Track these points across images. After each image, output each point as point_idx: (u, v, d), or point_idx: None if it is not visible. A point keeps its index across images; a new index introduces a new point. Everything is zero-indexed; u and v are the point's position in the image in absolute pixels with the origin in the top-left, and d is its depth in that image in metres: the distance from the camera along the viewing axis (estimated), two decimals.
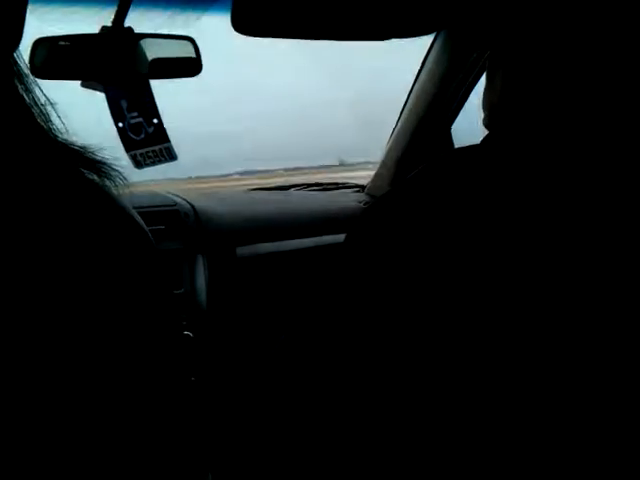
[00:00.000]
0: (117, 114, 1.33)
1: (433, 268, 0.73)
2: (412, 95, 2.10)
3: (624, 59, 0.74)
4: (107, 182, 0.61)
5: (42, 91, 0.59)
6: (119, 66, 1.30)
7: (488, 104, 0.88)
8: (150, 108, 1.36)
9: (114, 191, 0.60)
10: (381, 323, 0.77)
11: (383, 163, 2.28)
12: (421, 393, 0.76)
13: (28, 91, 0.57)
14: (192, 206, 1.96)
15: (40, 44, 1.20)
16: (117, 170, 0.62)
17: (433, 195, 0.76)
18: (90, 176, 0.60)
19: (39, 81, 0.59)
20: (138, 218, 0.59)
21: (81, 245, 0.51)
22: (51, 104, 0.59)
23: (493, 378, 0.72)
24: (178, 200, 1.97)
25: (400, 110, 2.18)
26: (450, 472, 0.76)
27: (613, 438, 0.71)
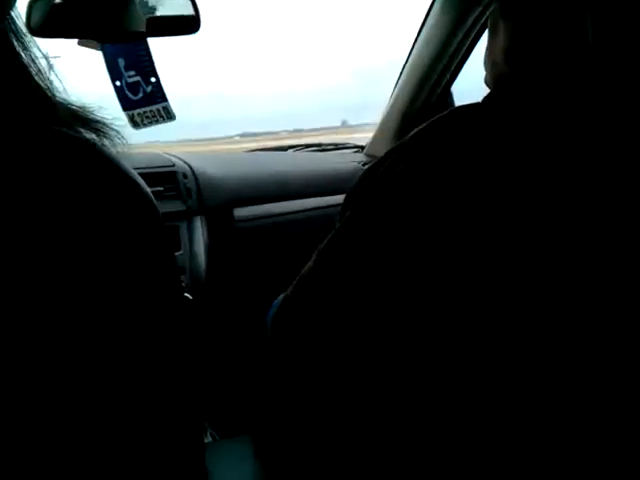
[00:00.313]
0: (114, 73, 1.31)
1: (431, 230, 0.72)
2: (412, 54, 2.07)
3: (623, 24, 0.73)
4: (105, 141, 0.60)
5: (40, 50, 0.58)
6: (116, 24, 1.28)
7: (490, 61, 0.87)
8: (148, 67, 1.33)
9: (113, 151, 0.59)
10: (378, 283, 0.76)
11: (383, 123, 2.26)
12: (417, 381, 0.76)
13: (26, 49, 0.56)
14: (190, 167, 1.95)
15: (36, 2, 1.17)
16: (115, 130, 0.61)
17: (433, 156, 0.75)
18: (88, 135, 0.59)
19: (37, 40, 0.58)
20: (139, 179, 0.58)
21: (82, 207, 0.50)
22: (49, 63, 0.58)
23: (481, 354, 0.72)
24: (176, 161, 1.96)
25: (400, 69, 2.16)
26: (448, 462, 0.76)
27: (609, 430, 0.71)
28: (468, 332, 0.71)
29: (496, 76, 0.85)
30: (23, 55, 0.56)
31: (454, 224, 0.71)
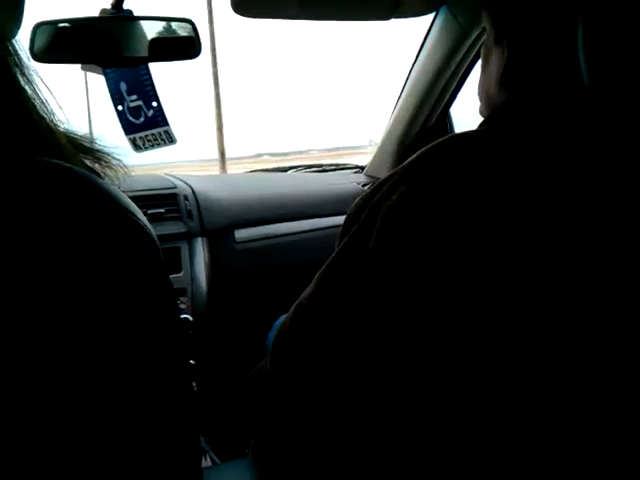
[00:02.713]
0: (116, 97, 1.33)
1: (430, 252, 0.73)
2: (411, 76, 2.08)
3: (620, 49, 0.74)
4: (108, 171, 0.61)
5: (43, 81, 0.58)
6: (119, 49, 1.29)
7: (484, 91, 0.88)
8: (150, 91, 1.35)
9: (108, 181, 0.60)
10: (377, 306, 0.77)
11: (383, 144, 2.28)
12: (414, 379, 0.76)
13: (30, 82, 0.57)
14: (191, 189, 1.96)
15: (39, 28, 1.19)
16: (118, 159, 0.63)
17: (432, 182, 0.76)
18: (91, 164, 0.60)
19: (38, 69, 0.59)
20: (134, 208, 0.59)
21: (72, 239, 0.51)
22: (52, 93, 0.59)
23: (486, 370, 0.72)
24: (178, 183, 1.97)
25: (399, 91, 2.17)
26: (449, 464, 0.76)
27: (610, 431, 0.71)
28: (471, 358, 0.72)
29: (490, 104, 0.86)
30: (27, 89, 0.56)
31: (450, 251, 0.72)
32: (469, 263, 0.71)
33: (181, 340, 0.59)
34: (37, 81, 0.58)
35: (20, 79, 0.56)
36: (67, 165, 0.55)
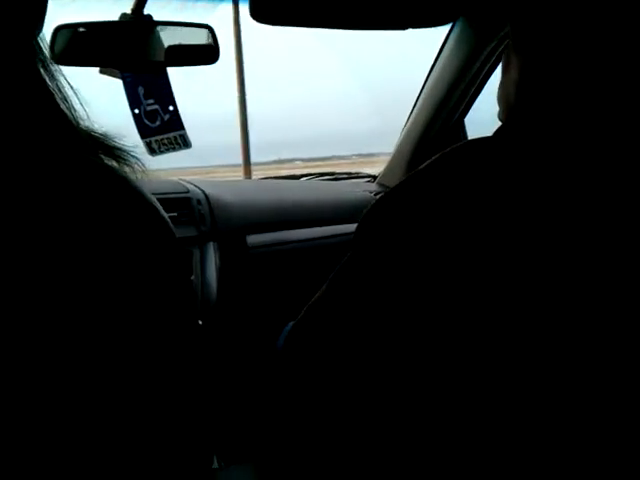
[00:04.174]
0: (134, 100, 1.34)
1: (440, 261, 0.73)
2: (427, 85, 2.09)
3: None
4: (126, 168, 0.62)
5: (66, 79, 0.59)
6: (137, 53, 1.31)
7: (504, 97, 0.88)
8: (166, 95, 1.37)
9: (132, 178, 0.61)
10: (387, 312, 0.78)
11: (396, 153, 2.28)
12: (421, 388, 0.77)
13: (52, 78, 0.58)
14: (204, 193, 1.97)
15: (60, 31, 1.20)
16: (135, 157, 0.63)
17: (444, 188, 0.76)
18: (109, 162, 0.61)
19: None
20: (158, 205, 0.60)
21: (102, 232, 0.52)
22: (74, 91, 0.59)
23: (491, 373, 0.73)
24: (191, 187, 1.98)
25: (414, 99, 2.18)
26: (449, 466, 0.77)
27: (611, 434, 0.71)
28: (473, 359, 0.72)
29: (508, 111, 0.87)
30: (50, 83, 0.57)
31: (454, 256, 0.72)
32: (472, 268, 0.71)
33: (198, 341, 0.60)
34: (60, 78, 0.59)
35: (45, 75, 0.57)
36: (111, 166, 0.56)
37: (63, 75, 0.59)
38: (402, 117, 2.25)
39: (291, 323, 0.95)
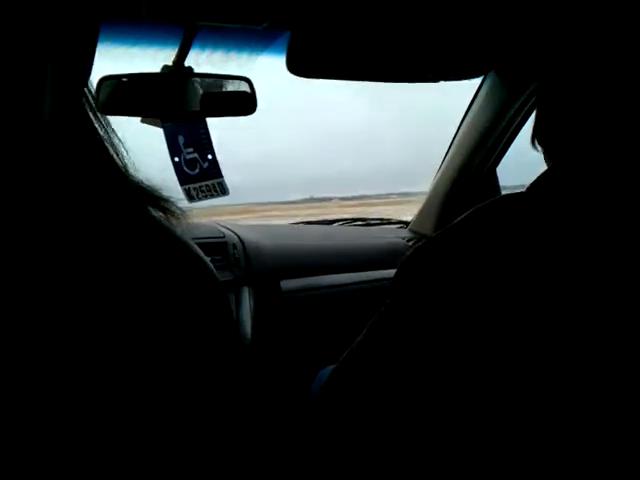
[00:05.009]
0: (174, 149, 1.38)
1: (474, 313, 0.75)
2: (459, 134, 2.12)
3: None
4: (171, 219, 0.64)
5: (113, 128, 0.61)
6: (178, 104, 1.35)
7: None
8: (205, 144, 1.40)
9: (177, 228, 0.63)
10: (426, 361, 0.79)
11: (428, 200, 2.30)
12: (459, 439, 0.77)
13: (102, 127, 0.59)
14: (240, 238, 2.00)
15: (105, 81, 1.25)
16: (180, 208, 0.65)
17: (478, 243, 0.78)
18: (155, 213, 0.62)
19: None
20: (202, 254, 0.63)
21: (150, 284, 0.54)
22: (119, 140, 0.61)
23: (526, 423, 0.73)
24: (226, 232, 2.01)
25: (447, 148, 2.21)
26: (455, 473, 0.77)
27: (614, 446, 0.71)
28: (507, 409, 0.73)
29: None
30: (100, 132, 0.59)
31: (494, 313, 0.74)
32: (502, 323, 0.73)
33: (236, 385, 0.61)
34: (109, 128, 0.60)
35: (95, 123, 0.58)
36: (157, 218, 0.59)
37: (110, 124, 0.60)
38: (434, 155, 2.27)
39: (326, 369, 0.96)
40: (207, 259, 0.62)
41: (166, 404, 0.52)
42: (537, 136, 0.86)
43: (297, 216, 2.85)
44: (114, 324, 0.50)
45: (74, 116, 0.56)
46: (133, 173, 0.62)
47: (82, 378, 0.48)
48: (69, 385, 0.48)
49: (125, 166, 0.60)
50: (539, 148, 0.86)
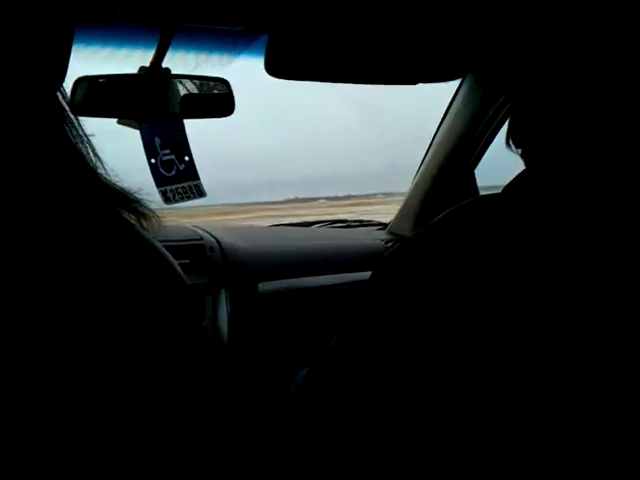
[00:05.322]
0: (150, 151, 1.37)
1: (450, 314, 0.75)
2: (437, 137, 2.13)
3: None
4: (142, 221, 0.63)
5: (82, 128, 0.60)
6: (155, 105, 1.34)
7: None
8: (182, 146, 1.40)
9: (147, 230, 0.63)
10: (401, 363, 0.79)
11: (406, 202, 2.31)
12: (436, 443, 0.77)
13: (74, 128, 0.59)
14: (217, 241, 1.99)
15: (80, 82, 1.24)
16: (152, 210, 0.65)
17: (454, 244, 0.78)
18: (126, 215, 0.62)
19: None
20: (170, 257, 0.62)
21: (115, 284, 0.53)
22: (89, 141, 0.60)
23: (502, 422, 0.73)
24: (203, 234, 2.00)
25: (425, 150, 2.21)
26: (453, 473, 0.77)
27: (613, 446, 0.71)
28: (488, 404, 0.73)
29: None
30: (71, 134, 0.58)
31: (472, 314, 0.74)
32: (477, 326, 0.73)
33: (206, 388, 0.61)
34: (80, 129, 0.60)
35: (67, 124, 0.58)
36: (126, 219, 0.58)
37: (82, 127, 0.60)
38: (414, 155, 2.28)
39: (304, 370, 0.96)
40: (175, 262, 0.61)
41: (128, 405, 0.51)
42: (512, 137, 0.86)
43: (281, 217, 2.85)
44: (77, 325, 0.50)
45: (46, 117, 0.56)
46: (105, 175, 0.61)
47: (47, 378, 0.48)
48: (30, 385, 0.47)
49: (96, 168, 0.60)
50: (514, 149, 0.87)
